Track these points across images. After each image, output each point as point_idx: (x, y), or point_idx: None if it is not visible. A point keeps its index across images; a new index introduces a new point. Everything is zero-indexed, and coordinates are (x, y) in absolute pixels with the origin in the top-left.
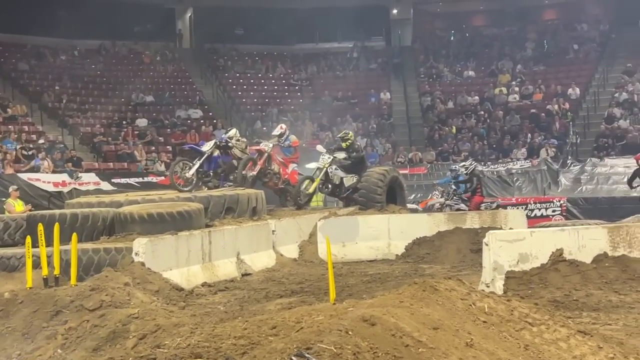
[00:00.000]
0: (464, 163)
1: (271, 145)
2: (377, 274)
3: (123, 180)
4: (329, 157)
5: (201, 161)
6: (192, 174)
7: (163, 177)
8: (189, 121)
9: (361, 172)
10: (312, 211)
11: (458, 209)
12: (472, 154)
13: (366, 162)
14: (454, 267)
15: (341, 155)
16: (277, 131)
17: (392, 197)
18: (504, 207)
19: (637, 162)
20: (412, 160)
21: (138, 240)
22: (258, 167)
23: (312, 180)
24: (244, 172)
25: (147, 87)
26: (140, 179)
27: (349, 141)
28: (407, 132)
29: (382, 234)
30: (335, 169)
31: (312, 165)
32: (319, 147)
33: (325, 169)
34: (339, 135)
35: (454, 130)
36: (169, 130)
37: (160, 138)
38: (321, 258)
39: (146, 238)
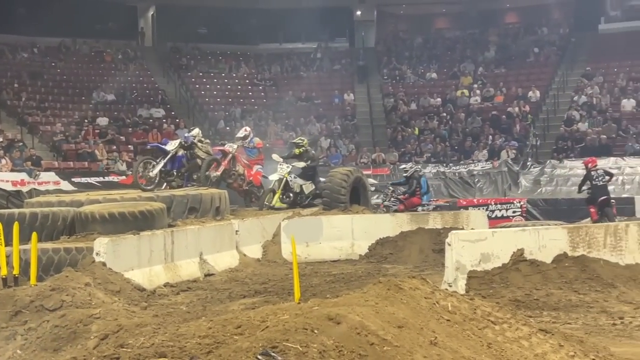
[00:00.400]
0: (404, 166)
1: (236, 146)
2: (341, 274)
3: (84, 180)
4: (287, 166)
5: (165, 160)
6: (156, 174)
7: (124, 177)
8: (150, 120)
9: (314, 179)
10: (275, 212)
11: (395, 211)
12: (434, 155)
13: (318, 171)
14: (416, 267)
15: (300, 164)
16: (241, 133)
17: (356, 197)
18: (465, 208)
19: (586, 167)
20: (375, 161)
21: (99, 240)
22: (222, 168)
23: (274, 192)
24: (207, 173)
25: (109, 85)
26: (101, 179)
27: (303, 148)
28: (371, 133)
29: (345, 234)
30: (294, 177)
31: (274, 176)
32: (275, 157)
33: (284, 178)
34: (292, 141)
35: (416, 132)
36: (130, 129)
37: (121, 137)
38: (284, 258)
39: (107, 238)
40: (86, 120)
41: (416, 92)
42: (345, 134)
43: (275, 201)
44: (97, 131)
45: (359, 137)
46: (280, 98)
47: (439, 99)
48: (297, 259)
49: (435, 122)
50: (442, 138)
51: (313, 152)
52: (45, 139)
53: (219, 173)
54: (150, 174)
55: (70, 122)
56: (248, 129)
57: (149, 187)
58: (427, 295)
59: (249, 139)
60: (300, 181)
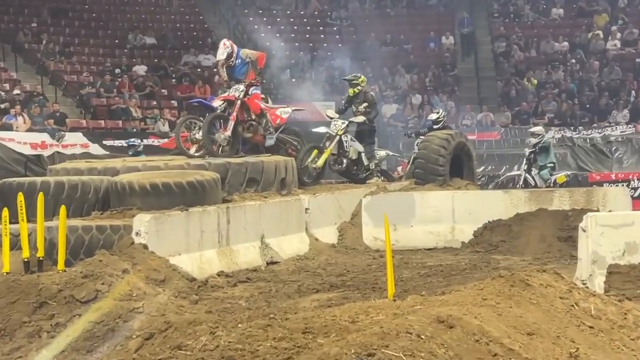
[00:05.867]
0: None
1: (242, 88)
2: (439, 266)
3: (117, 143)
4: (342, 122)
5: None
6: (202, 136)
7: (167, 139)
8: (198, 69)
9: (368, 139)
10: (355, 186)
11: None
12: (558, 116)
13: (376, 128)
14: (536, 259)
15: (358, 118)
16: (221, 53)
17: (458, 168)
18: (599, 184)
19: None
20: (482, 123)
21: (139, 217)
22: (231, 124)
23: (321, 151)
24: (211, 136)
25: (148, 26)
26: (139, 141)
27: (359, 87)
28: (476, 87)
29: (444, 216)
30: (352, 139)
31: (321, 129)
32: (330, 112)
33: (338, 137)
34: (345, 78)
35: (534, 84)
36: (173, 80)
37: (162, 90)
38: (366, 244)
39: (149, 214)
40: (119, 69)
41: (536, 34)
42: (442, 88)
43: (322, 162)
44: (133, 82)
45: (461, 93)
46: (359, 42)
47: (565, 43)
48: (382, 246)
49: (560, 72)
50: (570, 94)
51: (372, 94)
52: (71, 91)
53: (228, 132)
54: (197, 136)
55: (101, 72)
56: (227, 42)
57: (196, 153)
58: (563, 295)
59: (235, 54)
60: (359, 147)
